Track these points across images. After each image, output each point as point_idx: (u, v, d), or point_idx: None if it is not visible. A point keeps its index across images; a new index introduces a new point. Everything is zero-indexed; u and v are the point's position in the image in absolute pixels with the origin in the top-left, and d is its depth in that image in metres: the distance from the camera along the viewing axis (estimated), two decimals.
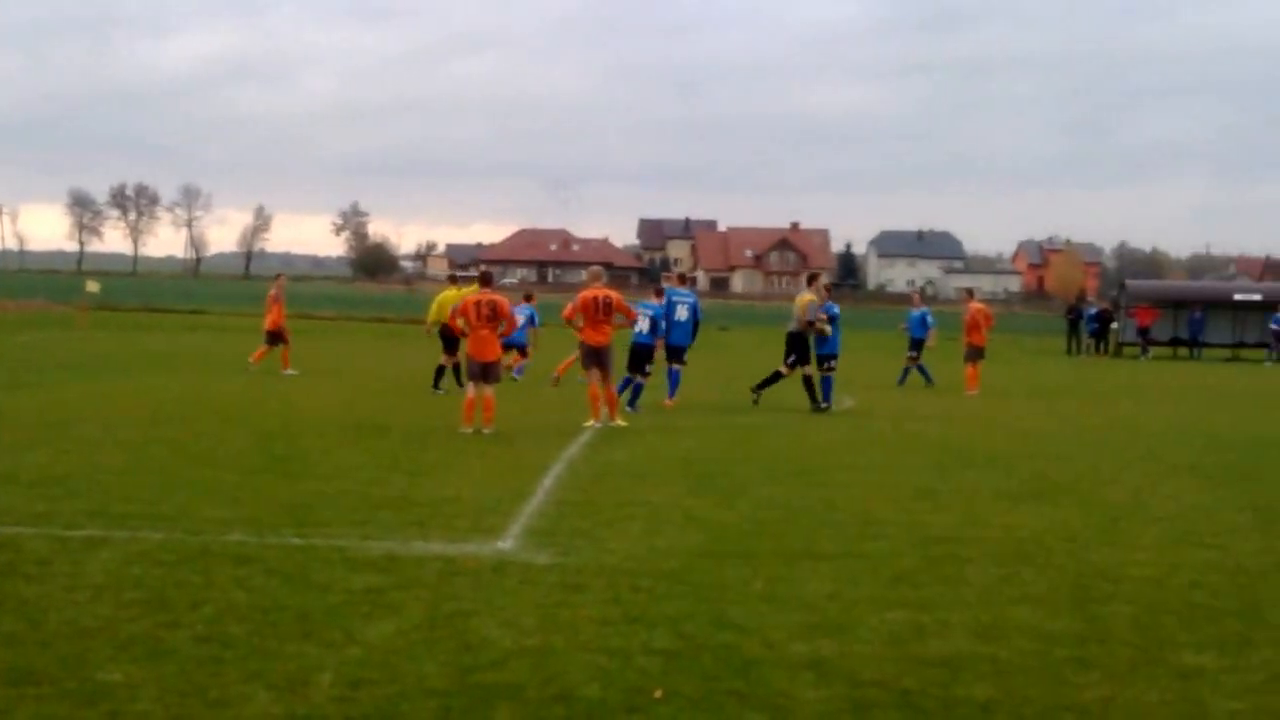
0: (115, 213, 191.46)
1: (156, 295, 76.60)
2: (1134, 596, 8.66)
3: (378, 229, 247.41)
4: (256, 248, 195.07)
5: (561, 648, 7.04)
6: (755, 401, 22.40)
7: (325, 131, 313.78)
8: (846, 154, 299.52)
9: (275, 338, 28.31)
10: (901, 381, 30.04)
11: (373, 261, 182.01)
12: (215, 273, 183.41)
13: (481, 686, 6.37)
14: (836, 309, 22.96)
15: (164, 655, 6.71)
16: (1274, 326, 48.52)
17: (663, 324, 21.55)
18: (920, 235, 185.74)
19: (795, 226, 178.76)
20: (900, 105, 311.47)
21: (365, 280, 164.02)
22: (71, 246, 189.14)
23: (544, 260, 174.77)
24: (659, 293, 22.42)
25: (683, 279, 25.63)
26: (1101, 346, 51.78)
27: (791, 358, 22.17)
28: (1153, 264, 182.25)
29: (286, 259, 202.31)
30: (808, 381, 22.13)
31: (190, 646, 6.87)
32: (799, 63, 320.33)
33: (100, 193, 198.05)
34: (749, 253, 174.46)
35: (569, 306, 19.15)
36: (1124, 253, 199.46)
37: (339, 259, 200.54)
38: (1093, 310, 54.44)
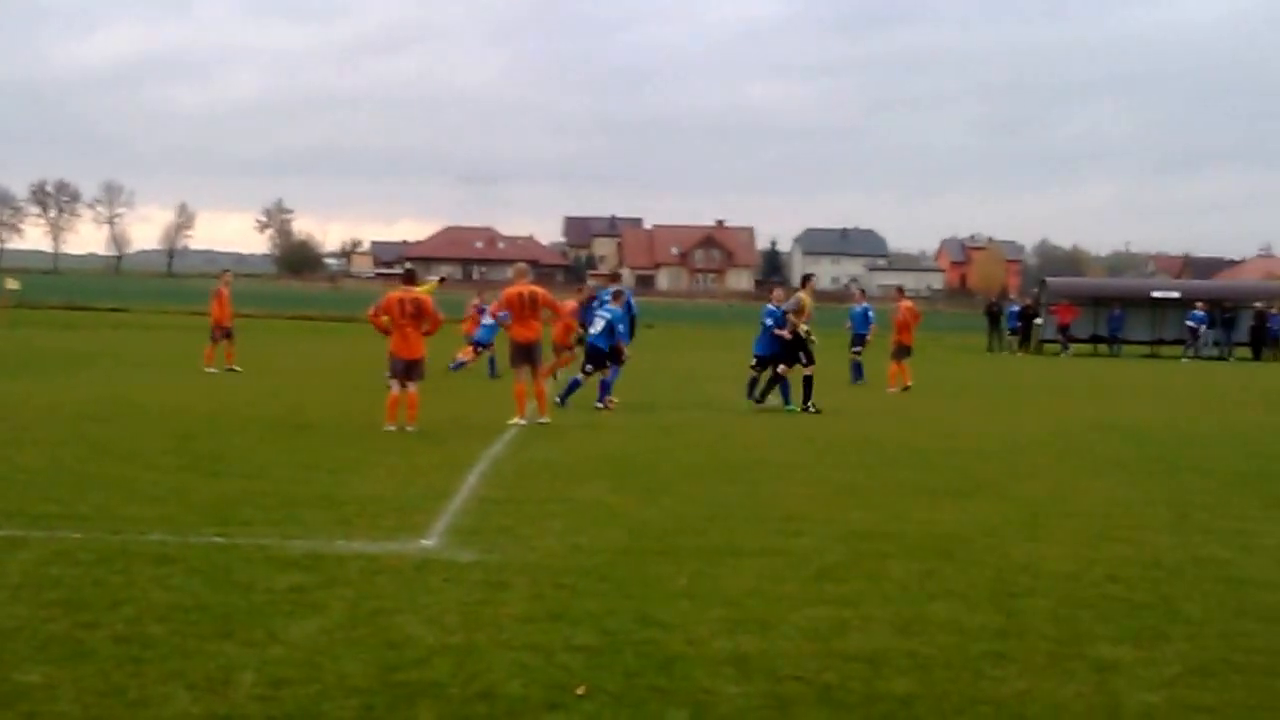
0: (35, 209, 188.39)
1: (79, 293, 75.24)
2: (1052, 591, 8.78)
3: (302, 226, 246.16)
4: (179, 245, 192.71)
5: (484, 645, 7.04)
6: (759, 403, 22.47)
7: (249, 128, 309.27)
8: (773, 152, 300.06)
9: (224, 333, 28.12)
10: (856, 380, 29.95)
11: (297, 259, 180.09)
12: (137, 270, 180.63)
13: (404, 684, 6.36)
14: (780, 311, 23.00)
15: (83, 656, 6.64)
16: (1191, 324, 49.37)
17: (620, 328, 21.54)
18: (844, 233, 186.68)
19: (720, 224, 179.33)
20: (825, 104, 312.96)
21: (290, 278, 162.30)
22: None
23: (469, 258, 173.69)
24: (618, 295, 22.25)
25: (614, 277, 25.67)
26: (1024, 344, 52.37)
27: (801, 357, 22.33)
28: (1073, 261, 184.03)
29: (210, 256, 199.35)
30: (807, 382, 22.27)
31: (110, 647, 6.80)
32: (725, 61, 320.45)
33: (20, 189, 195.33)
34: (674, 250, 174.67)
35: (493, 304, 19.15)
36: (1045, 250, 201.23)
37: (263, 257, 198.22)
38: (1015, 307, 55.08)
